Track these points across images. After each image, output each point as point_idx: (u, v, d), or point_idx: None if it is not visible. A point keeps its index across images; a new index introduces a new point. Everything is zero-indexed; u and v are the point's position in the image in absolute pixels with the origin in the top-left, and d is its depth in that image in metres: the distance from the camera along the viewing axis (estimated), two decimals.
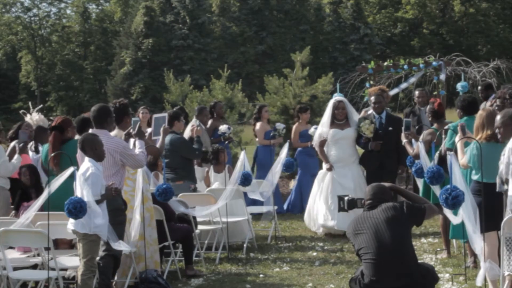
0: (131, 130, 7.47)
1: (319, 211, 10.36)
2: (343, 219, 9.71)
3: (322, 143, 10.40)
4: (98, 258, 6.83)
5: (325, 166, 10.42)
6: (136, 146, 7.38)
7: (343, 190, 9.82)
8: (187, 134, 10.93)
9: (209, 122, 12.23)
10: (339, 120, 10.33)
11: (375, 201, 6.18)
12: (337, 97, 10.67)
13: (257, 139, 12.70)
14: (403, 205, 6.11)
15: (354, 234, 6.09)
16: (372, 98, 10.41)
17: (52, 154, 7.92)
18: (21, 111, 10.52)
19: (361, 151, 10.62)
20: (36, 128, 9.67)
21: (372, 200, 6.20)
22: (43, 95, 50.67)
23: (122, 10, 56.14)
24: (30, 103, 11.00)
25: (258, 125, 12.59)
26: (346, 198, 6.69)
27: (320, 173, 10.61)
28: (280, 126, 12.27)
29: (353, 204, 6.63)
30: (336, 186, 10.19)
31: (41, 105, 11.30)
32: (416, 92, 12.01)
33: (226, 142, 11.82)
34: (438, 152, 8.05)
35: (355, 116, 10.43)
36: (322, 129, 10.43)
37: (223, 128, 12.04)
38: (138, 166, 7.36)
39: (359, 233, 6.03)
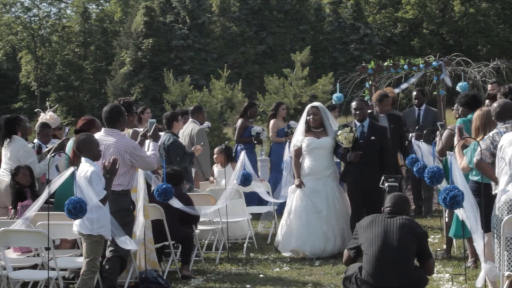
0: (147, 132, 7.42)
1: (292, 233, 9.27)
2: (316, 244, 9.07)
3: (298, 153, 9.40)
4: (105, 260, 6.85)
5: (295, 181, 9.39)
6: (149, 148, 7.33)
7: (314, 208, 9.16)
8: (184, 132, 10.97)
9: (239, 121, 12.23)
10: (314, 127, 9.35)
11: (395, 209, 6.28)
12: (314, 103, 9.74)
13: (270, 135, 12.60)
14: (422, 230, 6.27)
15: (366, 226, 6.18)
16: (353, 104, 9.32)
17: (53, 154, 7.93)
18: (36, 110, 10.59)
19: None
20: (40, 125, 9.63)
21: (392, 207, 6.29)
22: (43, 95, 50.59)
23: (122, 10, 56.10)
24: (47, 103, 10.94)
25: (271, 122, 12.47)
26: (390, 182, 6.97)
27: (291, 188, 9.54)
28: (294, 124, 11.97)
29: (392, 190, 7.11)
30: (307, 204, 9.21)
31: (57, 105, 11.39)
32: (414, 93, 11.97)
33: (256, 143, 11.96)
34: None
35: (334, 124, 9.49)
36: (296, 137, 9.50)
37: (258, 129, 12.03)
38: (148, 168, 7.33)
39: (371, 227, 6.13)
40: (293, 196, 9.41)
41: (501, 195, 6.26)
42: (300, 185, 9.25)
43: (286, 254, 9.30)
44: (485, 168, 6.52)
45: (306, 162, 9.34)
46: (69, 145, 8.53)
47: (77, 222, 6.50)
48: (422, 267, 6.27)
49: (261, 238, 10.37)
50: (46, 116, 10.11)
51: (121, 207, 6.89)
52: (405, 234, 6.06)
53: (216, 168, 10.89)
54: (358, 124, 9.23)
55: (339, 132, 9.09)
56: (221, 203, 8.95)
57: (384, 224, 6.11)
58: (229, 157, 10.74)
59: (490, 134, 6.67)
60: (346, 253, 6.45)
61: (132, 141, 7.23)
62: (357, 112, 9.20)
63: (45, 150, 9.09)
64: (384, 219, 6.17)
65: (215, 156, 10.90)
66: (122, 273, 7.28)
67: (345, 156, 9.17)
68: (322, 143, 9.28)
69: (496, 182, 6.51)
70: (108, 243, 6.85)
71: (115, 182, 6.90)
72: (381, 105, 10.61)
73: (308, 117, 9.34)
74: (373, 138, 9.13)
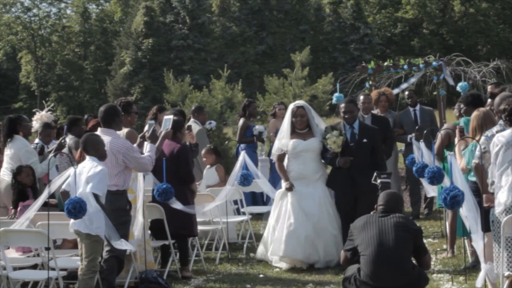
0: (146, 133, 7.40)
1: (277, 240, 8.59)
2: (308, 250, 8.45)
3: (281, 156, 8.74)
4: (102, 260, 6.84)
5: (283, 184, 8.71)
6: (146, 150, 7.30)
7: (305, 214, 8.48)
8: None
9: (241, 121, 12.21)
10: (300, 129, 8.67)
11: (388, 207, 6.27)
12: (297, 101, 9.02)
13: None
14: (417, 226, 6.30)
15: (361, 228, 6.18)
16: (342, 105, 8.67)
17: (52, 154, 7.93)
18: (33, 110, 10.59)
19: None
20: (42, 125, 9.62)
21: (385, 206, 6.28)
22: (43, 95, 50.59)
23: (122, 10, 56.11)
24: (44, 102, 10.95)
25: (270, 122, 12.38)
26: (382, 179, 6.91)
27: (279, 192, 8.84)
28: None
29: (385, 187, 6.97)
30: (296, 210, 8.51)
31: (53, 104, 11.41)
32: (406, 93, 11.86)
33: (258, 142, 11.95)
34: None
35: (321, 124, 8.82)
36: (281, 140, 8.74)
37: (260, 128, 11.98)
38: (141, 169, 7.30)
39: (366, 229, 6.13)
40: (281, 202, 8.74)
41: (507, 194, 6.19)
42: (290, 188, 8.59)
43: (276, 264, 8.65)
44: (481, 173, 6.51)
45: (294, 166, 8.69)
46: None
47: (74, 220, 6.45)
48: (419, 263, 6.27)
49: (261, 238, 10.35)
50: (38, 116, 10.11)
51: (117, 206, 6.88)
52: (401, 232, 6.06)
53: (207, 169, 10.61)
54: (347, 126, 8.63)
55: (328, 135, 8.47)
56: (219, 200, 8.94)
57: (379, 224, 6.11)
58: (219, 156, 10.65)
59: (494, 130, 6.59)
60: (342, 254, 6.47)
61: (127, 141, 7.21)
62: (347, 116, 8.58)
63: (47, 150, 9.09)
64: (378, 219, 6.16)
65: (204, 159, 10.53)
66: (121, 273, 7.28)
67: (334, 160, 8.55)
68: (309, 145, 8.62)
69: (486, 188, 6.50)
70: (105, 243, 6.84)
71: (110, 183, 6.88)
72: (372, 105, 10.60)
73: (293, 119, 8.66)
74: (364, 140, 8.55)
